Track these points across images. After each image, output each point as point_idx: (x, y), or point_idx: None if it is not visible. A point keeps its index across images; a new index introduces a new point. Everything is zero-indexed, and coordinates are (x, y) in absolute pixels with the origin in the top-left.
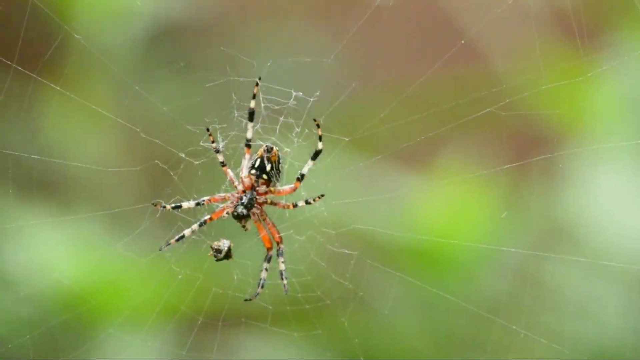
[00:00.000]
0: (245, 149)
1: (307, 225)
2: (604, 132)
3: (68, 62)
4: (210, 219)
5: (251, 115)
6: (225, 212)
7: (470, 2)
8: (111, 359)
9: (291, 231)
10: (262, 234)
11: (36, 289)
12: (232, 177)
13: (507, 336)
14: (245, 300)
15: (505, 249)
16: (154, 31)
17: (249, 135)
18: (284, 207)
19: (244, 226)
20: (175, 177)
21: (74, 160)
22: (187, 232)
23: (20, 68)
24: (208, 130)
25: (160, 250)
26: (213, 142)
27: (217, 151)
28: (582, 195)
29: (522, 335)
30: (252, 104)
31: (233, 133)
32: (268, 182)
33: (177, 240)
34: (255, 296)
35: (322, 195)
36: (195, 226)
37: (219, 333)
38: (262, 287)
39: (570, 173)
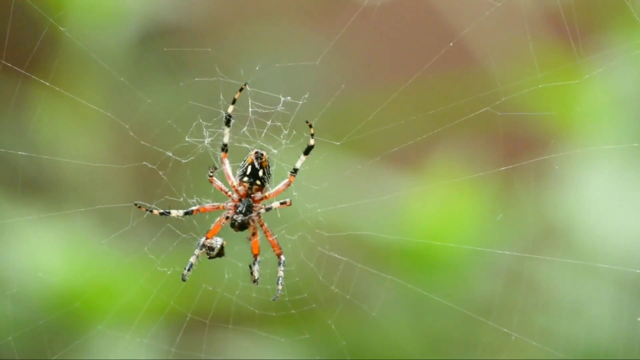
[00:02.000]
0: (222, 153)
1: (300, 226)
2: (597, 135)
3: (56, 59)
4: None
5: (228, 121)
6: (222, 223)
7: (462, 3)
8: (101, 358)
9: (283, 232)
10: (252, 241)
11: (23, 287)
12: (222, 187)
13: (499, 338)
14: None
15: (499, 251)
16: (143, 31)
17: (226, 140)
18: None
19: (251, 231)
20: (165, 177)
21: (62, 159)
22: (192, 258)
23: (9, 64)
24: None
25: (184, 280)
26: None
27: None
28: (575, 198)
29: (513, 337)
30: (230, 109)
31: (219, 130)
32: (261, 188)
33: (188, 269)
34: (254, 281)
35: (290, 203)
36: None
37: (207, 330)
38: (256, 282)
39: (563, 175)
